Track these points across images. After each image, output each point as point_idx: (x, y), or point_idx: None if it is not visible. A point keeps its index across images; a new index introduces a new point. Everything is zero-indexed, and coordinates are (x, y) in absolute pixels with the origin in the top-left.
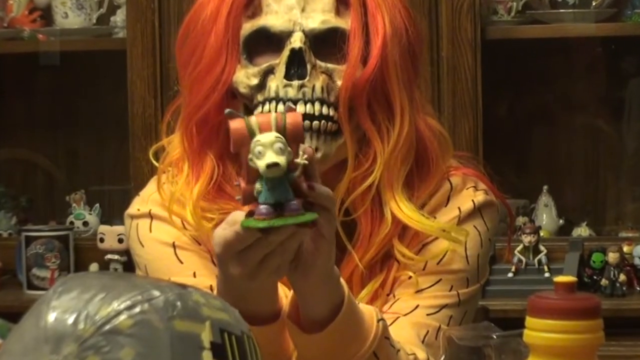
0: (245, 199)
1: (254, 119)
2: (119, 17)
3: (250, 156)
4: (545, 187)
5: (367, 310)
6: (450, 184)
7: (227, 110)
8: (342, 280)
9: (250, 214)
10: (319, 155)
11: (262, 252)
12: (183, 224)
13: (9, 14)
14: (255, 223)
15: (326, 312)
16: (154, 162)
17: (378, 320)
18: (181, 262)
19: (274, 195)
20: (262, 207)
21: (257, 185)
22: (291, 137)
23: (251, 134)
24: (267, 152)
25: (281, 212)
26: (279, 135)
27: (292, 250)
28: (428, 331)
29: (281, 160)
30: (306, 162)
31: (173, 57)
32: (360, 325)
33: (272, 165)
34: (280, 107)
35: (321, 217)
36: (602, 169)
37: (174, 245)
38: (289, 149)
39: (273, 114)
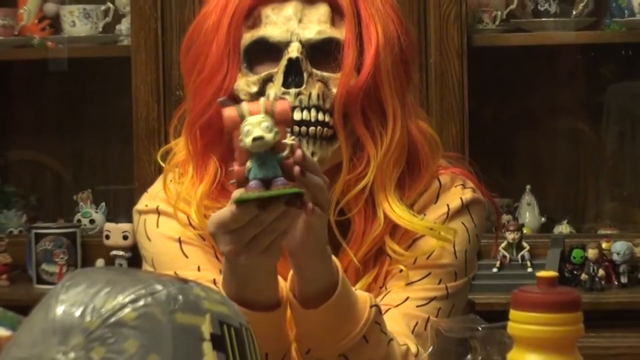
0: (239, 181)
1: (245, 105)
2: (124, 26)
3: (240, 137)
4: (528, 187)
5: (362, 296)
6: (439, 182)
7: (220, 99)
8: (337, 263)
9: None
10: (315, 159)
11: (252, 231)
12: (189, 221)
13: (20, 22)
14: (246, 196)
15: (321, 290)
16: (162, 163)
17: (371, 306)
18: (186, 257)
19: (262, 171)
20: (252, 182)
21: (248, 164)
22: (279, 120)
23: (242, 118)
24: (254, 129)
25: (269, 188)
26: (266, 117)
27: (282, 230)
28: (417, 322)
29: (266, 135)
30: (294, 142)
31: (175, 63)
32: (353, 307)
33: (257, 139)
34: None
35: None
36: (583, 170)
37: (179, 240)
38: (276, 129)
39: (262, 99)
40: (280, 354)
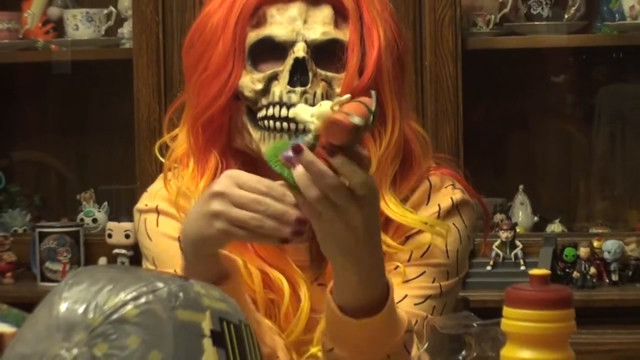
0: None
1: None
2: (126, 29)
3: None
4: (521, 187)
5: (401, 319)
6: (430, 182)
7: None
8: (389, 284)
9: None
10: None
11: (244, 201)
12: None
13: (24, 26)
14: (266, 148)
15: (364, 305)
16: (160, 157)
17: (406, 331)
18: None
19: (292, 141)
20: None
21: None
22: (333, 120)
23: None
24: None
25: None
26: (331, 107)
27: (254, 221)
28: (417, 321)
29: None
30: (311, 142)
31: (176, 65)
32: (389, 330)
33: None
34: (284, 111)
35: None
36: (574, 170)
37: (179, 239)
38: (316, 120)
39: (355, 102)
40: None
